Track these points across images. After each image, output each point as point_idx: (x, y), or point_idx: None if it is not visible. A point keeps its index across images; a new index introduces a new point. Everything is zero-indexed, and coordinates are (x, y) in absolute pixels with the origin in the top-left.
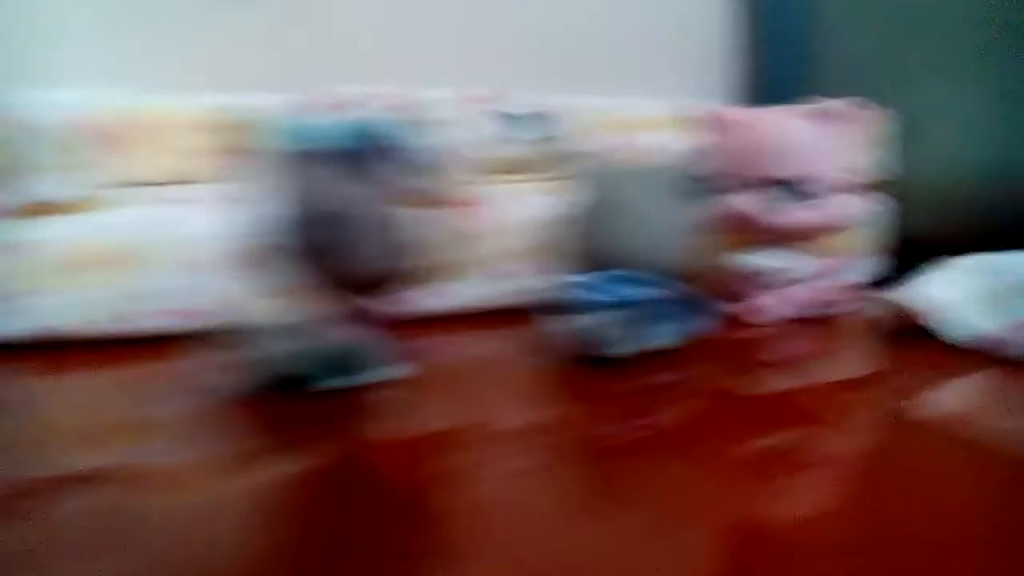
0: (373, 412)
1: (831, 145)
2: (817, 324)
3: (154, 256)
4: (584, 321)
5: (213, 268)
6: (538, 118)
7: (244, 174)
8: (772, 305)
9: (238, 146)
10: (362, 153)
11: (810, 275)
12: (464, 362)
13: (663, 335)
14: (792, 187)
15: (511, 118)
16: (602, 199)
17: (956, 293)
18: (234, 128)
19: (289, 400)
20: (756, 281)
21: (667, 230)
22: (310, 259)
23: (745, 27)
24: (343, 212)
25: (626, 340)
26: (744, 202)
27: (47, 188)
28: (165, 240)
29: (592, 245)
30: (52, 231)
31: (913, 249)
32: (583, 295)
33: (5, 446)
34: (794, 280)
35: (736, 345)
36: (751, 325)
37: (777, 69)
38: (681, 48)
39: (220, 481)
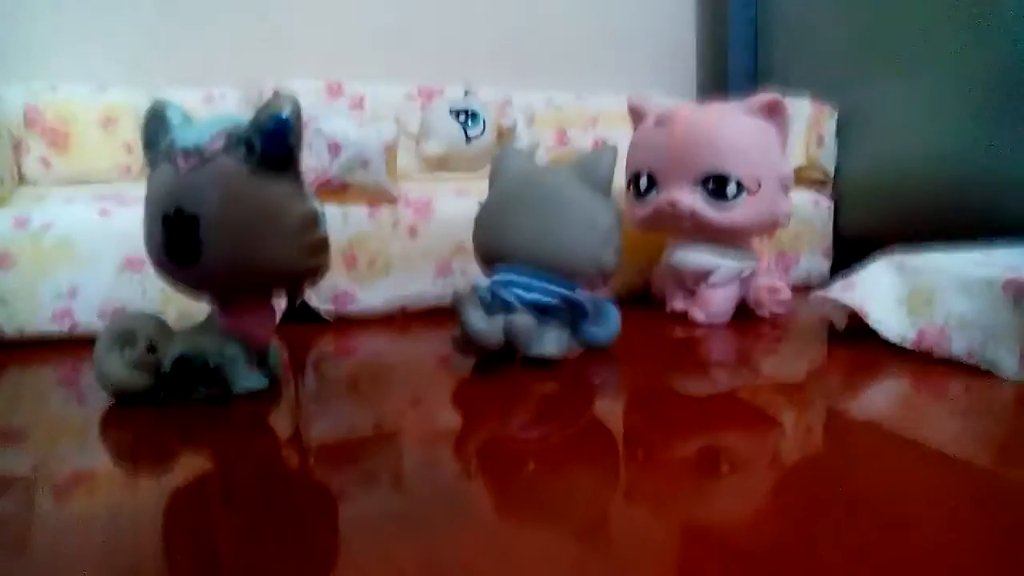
0: (279, 417)
1: (772, 141)
2: (755, 322)
3: (89, 255)
4: (505, 321)
5: (139, 269)
6: (483, 113)
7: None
8: (709, 303)
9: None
10: (252, 152)
11: (748, 273)
12: (384, 363)
13: (577, 337)
14: (731, 182)
15: (458, 113)
16: (516, 195)
17: (884, 292)
18: (139, 125)
19: (193, 402)
20: (694, 279)
21: (582, 228)
22: (199, 264)
23: (705, 22)
24: (221, 212)
25: (547, 341)
26: (681, 197)
27: None
28: (101, 239)
29: (506, 242)
30: None
31: (856, 245)
32: (503, 294)
33: None
34: (732, 278)
35: (673, 344)
36: (688, 324)
37: (734, 63)
38: (641, 43)
39: (127, 486)
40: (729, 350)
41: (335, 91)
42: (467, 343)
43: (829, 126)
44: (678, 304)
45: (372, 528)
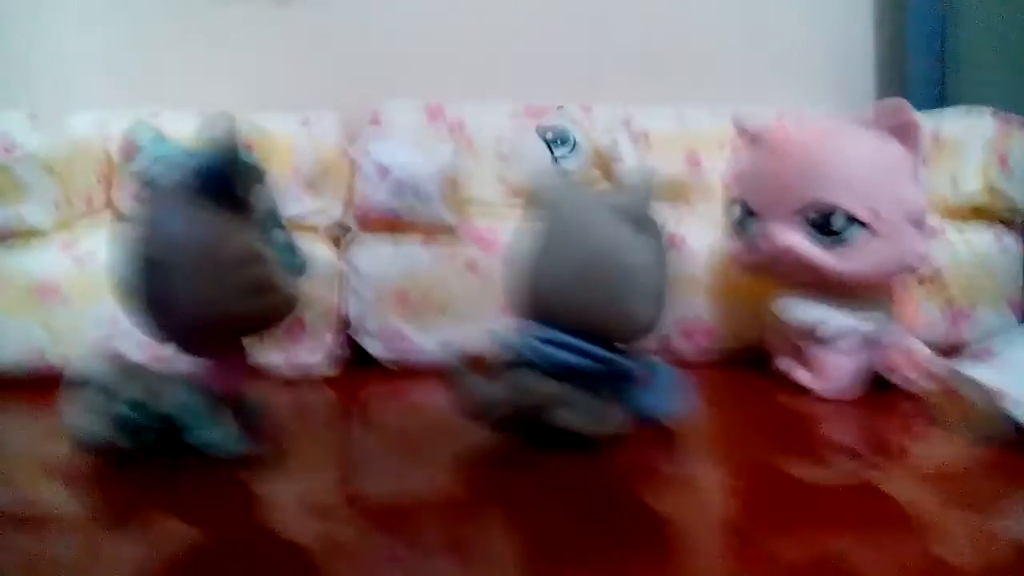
0: (248, 475)
1: (898, 164)
2: (891, 396)
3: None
4: (520, 384)
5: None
6: (574, 134)
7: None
8: (824, 370)
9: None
10: (216, 186)
11: (877, 334)
12: (398, 421)
13: (630, 410)
14: (836, 215)
15: (546, 133)
16: (546, 235)
17: None
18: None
19: (160, 455)
20: (800, 337)
21: (618, 277)
22: (153, 305)
23: (881, 21)
24: (174, 254)
25: (577, 411)
26: (794, 238)
27: (11, 213)
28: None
29: (533, 292)
30: (10, 260)
31: None
32: (528, 354)
33: None
34: (844, 337)
35: (777, 418)
36: (802, 393)
37: (916, 71)
38: (803, 46)
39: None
40: (845, 430)
41: (435, 113)
42: (470, 412)
43: (1018, 147)
44: (783, 366)
45: None
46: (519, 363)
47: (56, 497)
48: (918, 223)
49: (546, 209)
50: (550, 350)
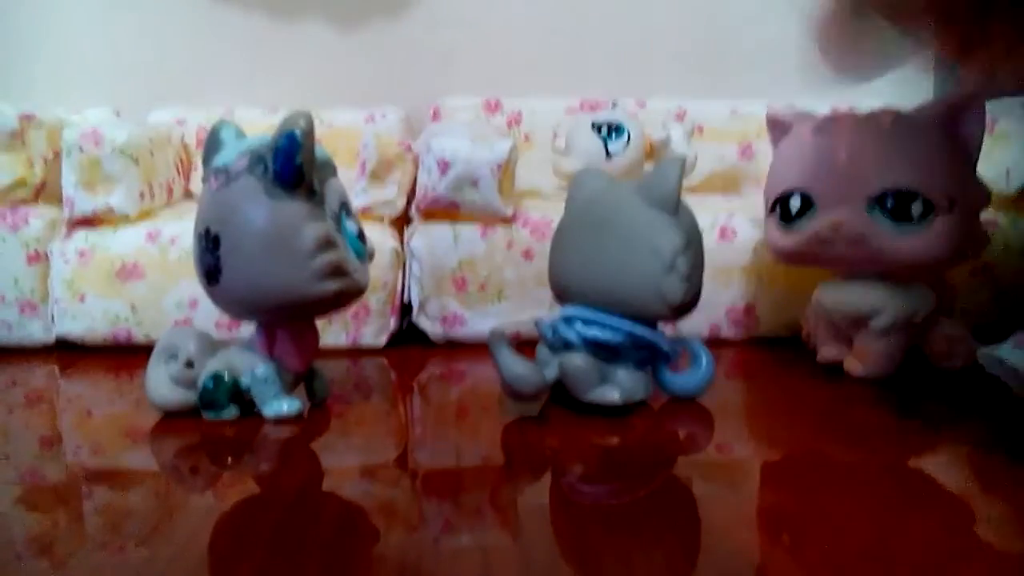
0: (302, 443)
1: (961, 153)
2: (929, 378)
3: (172, 272)
4: (560, 361)
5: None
6: (628, 126)
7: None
8: (869, 354)
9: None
10: (267, 171)
11: (922, 316)
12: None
13: (659, 385)
14: (916, 201)
15: (600, 127)
16: (578, 220)
17: None
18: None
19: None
20: (851, 324)
21: (641, 255)
22: (233, 287)
23: None
24: (255, 241)
25: (609, 385)
26: (851, 219)
27: (100, 202)
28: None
29: (566, 273)
30: (98, 243)
31: None
32: (563, 332)
33: (25, 442)
34: (901, 323)
35: (812, 400)
36: (841, 377)
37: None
38: None
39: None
40: (882, 411)
41: (493, 108)
42: (507, 387)
43: None
44: (830, 352)
45: None
46: (556, 341)
47: (136, 457)
48: (978, 212)
49: (583, 198)
50: (580, 327)
